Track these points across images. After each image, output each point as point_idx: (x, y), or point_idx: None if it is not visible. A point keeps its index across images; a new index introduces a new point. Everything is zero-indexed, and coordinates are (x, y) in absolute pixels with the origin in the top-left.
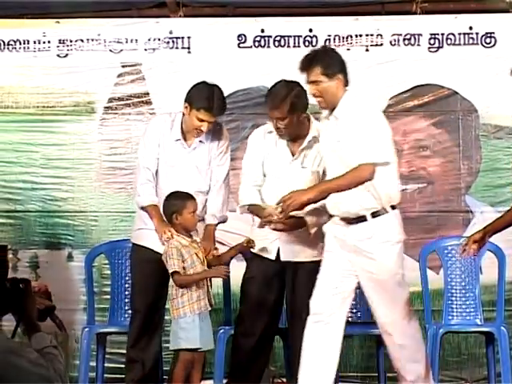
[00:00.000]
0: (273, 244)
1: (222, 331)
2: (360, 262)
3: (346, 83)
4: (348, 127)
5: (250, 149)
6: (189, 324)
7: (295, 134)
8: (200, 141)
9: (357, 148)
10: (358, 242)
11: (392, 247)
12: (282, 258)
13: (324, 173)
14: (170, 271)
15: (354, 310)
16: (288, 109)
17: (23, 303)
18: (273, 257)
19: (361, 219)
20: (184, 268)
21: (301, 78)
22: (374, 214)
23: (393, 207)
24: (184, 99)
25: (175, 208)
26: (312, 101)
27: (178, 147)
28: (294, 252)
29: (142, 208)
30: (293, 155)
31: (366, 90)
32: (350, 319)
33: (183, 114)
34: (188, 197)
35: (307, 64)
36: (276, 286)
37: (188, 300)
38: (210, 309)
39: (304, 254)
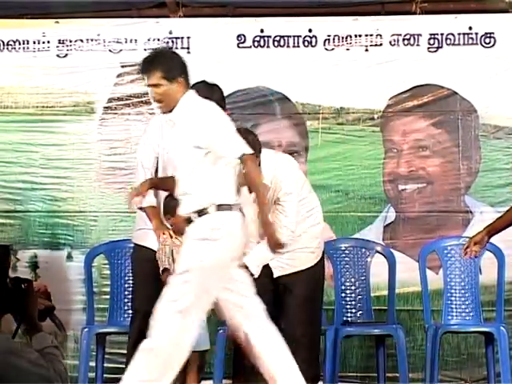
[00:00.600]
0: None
1: (221, 331)
2: None
3: (187, 86)
4: (188, 125)
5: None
6: None
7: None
8: None
9: (215, 148)
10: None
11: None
12: (275, 275)
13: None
14: (161, 268)
15: (354, 311)
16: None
17: (25, 303)
18: (256, 275)
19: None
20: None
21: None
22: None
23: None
24: None
25: (167, 209)
26: (311, 101)
27: None
28: (284, 265)
29: (141, 209)
30: None
31: (365, 90)
32: (349, 319)
33: None
34: None
35: (147, 67)
36: (271, 295)
37: None
38: None
39: (293, 265)
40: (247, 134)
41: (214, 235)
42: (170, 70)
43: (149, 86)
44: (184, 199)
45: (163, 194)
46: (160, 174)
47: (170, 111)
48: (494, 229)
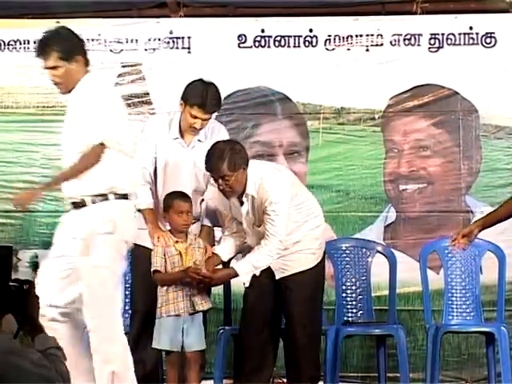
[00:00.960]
0: None
1: (221, 331)
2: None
3: (87, 63)
4: (80, 108)
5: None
6: (162, 325)
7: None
8: (199, 140)
9: (87, 129)
10: (73, 227)
11: (99, 237)
12: (277, 277)
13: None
14: (152, 269)
15: (354, 310)
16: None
17: (26, 304)
18: (257, 273)
19: (80, 204)
20: (166, 268)
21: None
22: (94, 200)
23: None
24: (180, 97)
25: (164, 207)
26: (311, 101)
27: (177, 146)
28: (285, 267)
29: (139, 210)
30: None
31: (366, 90)
32: (350, 319)
33: (181, 113)
34: (178, 197)
35: (43, 49)
36: (272, 296)
37: (166, 301)
38: (198, 310)
39: (294, 266)
40: (233, 145)
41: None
42: (68, 50)
43: (46, 68)
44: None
45: (160, 194)
46: (159, 174)
47: (69, 92)
48: (485, 223)
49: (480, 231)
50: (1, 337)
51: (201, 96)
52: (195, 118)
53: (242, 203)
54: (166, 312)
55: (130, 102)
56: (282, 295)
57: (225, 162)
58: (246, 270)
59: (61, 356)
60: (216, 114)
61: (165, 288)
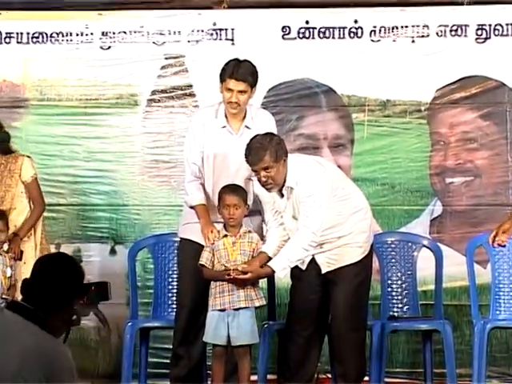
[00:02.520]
0: None
1: (266, 326)
2: None
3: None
4: None
5: None
6: (209, 318)
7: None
8: (246, 126)
9: None
10: None
11: None
12: (323, 271)
13: None
14: (198, 263)
15: (400, 305)
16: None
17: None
18: (303, 267)
19: None
20: (213, 262)
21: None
22: None
23: None
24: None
25: (218, 200)
26: (356, 93)
27: (225, 134)
28: (331, 261)
29: (191, 207)
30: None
31: (412, 82)
32: (396, 314)
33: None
34: (226, 190)
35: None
36: (319, 290)
37: (213, 294)
38: (244, 306)
39: (340, 260)
40: (272, 137)
41: None
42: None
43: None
44: None
45: (211, 185)
46: (208, 167)
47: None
48: None
49: None
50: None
51: (232, 68)
52: (229, 91)
53: (282, 196)
54: (213, 306)
55: (172, 94)
56: (327, 289)
57: (267, 152)
58: (281, 266)
59: None
60: (260, 99)
61: (213, 282)
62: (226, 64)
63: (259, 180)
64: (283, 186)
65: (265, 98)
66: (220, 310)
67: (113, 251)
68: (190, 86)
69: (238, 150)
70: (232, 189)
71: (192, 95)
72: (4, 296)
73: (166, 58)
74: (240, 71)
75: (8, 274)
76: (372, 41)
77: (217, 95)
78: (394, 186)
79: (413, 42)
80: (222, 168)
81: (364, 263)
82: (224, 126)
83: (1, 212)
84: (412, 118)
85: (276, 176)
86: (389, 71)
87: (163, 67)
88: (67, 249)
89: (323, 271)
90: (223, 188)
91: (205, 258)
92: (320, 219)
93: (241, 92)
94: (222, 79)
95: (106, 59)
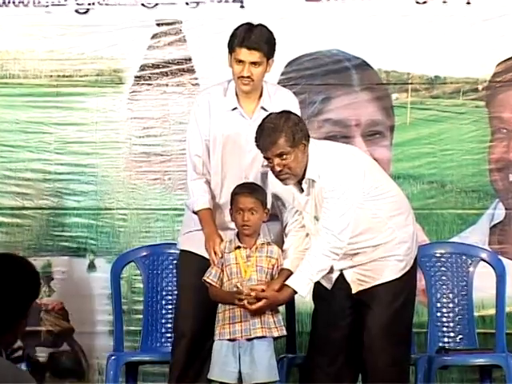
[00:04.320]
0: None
1: (284, 360)
2: None
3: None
4: None
5: None
6: (215, 350)
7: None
8: (263, 108)
9: None
10: None
11: None
12: (354, 291)
13: None
14: (204, 279)
15: (452, 335)
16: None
17: None
18: (329, 286)
19: None
20: (222, 279)
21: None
22: None
23: None
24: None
25: (230, 202)
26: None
27: (236, 118)
28: (364, 278)
29: (194, 212)
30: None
31: (467, 54)
32: (446, 345)
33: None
34: (240, 190)
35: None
36: (348, 315)
37: (222, 320)
38: (260, 335)
39: (375, 277)
40: (289, 115)
41: None
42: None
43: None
44: None
45: (218, 182)
46: (216, 158)
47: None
48: None
49: None
50: None
51: (244, 34)
52: (240, 63)
53: (302, 191)
54: (221, 334)
55: (167, 69)
56: (359, 314)
57: (282, 135)
58: (303, 284)
59: None
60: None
61: (221, 305)
62: (236, 30)
63: (272, 170)
64: (303, 178)
65: (282, 74)
66: (230, 340)
67: (92, 266)
68: (189, 59)
69: (253, 137)
70: (248, 188)
71: (191, 71)
72: None
73: (159, 25)
74: (253, 38)
75: None
76: (417, 2)
77: (222, 71)
78: (444, 185)
79: (468, 3)
80: (233, 160)
81: (405, 281)
82: (235, 108)
83: None
84: (467, 100)
85: (293, 164)
86: (438, 40)
87: (155, 36)
88: (35, 263)
89: (354, 291)
90: (237, 187)
91: (211, 274)
92: (345, 220)
93: (254, 64)
94: (231, 49)
95: (83, 26)
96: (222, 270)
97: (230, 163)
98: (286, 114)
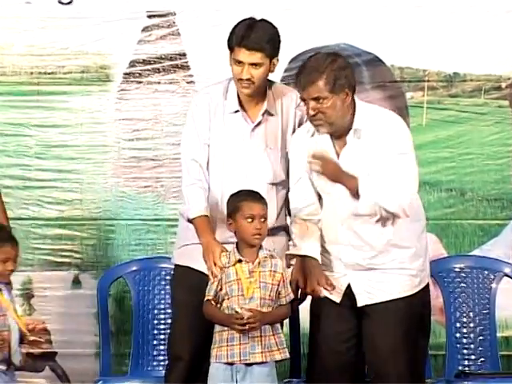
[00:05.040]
0: (339, 281)
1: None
2: None
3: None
4: None
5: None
6: (211, 374)
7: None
8: (268, 112)
9: None
10: None
11: None
12: (359, 303)
13: None
14: (205, 299)
15: (473, 357)
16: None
17: None
18: (337, 299)
19: None
20: (218, 297)
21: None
22: None
23: None
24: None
25: (228, 211)
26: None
27: (238, 121)
28: (372, 290)
29: (189, 221)
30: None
31: (489, 49)
32: (467, 369)
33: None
34: (248, 196)
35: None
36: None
37: (219, 342)
38: (260, 361)
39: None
40: (336, 57)
41: None
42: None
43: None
44: None
45: (218, 191)
46: (215, 164)
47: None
48: None
49: None
50: None
51: (243, 32)
52: (239, 64)
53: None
54: (217, 357)
55: (158, 66)
56: (364, 331)
57: (322, 76)
58: None
59: None
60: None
61: (218, 326)
62: (235, 26)
63: (307, 113)
64: (341, 135)
65: (286, 71)
66: (227, 364)
67: (76, 282)
68: (183, 54)
69: (257, 144)
70: (257, 194)
71: (185, 67)
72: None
73: (150, 17)
74: (253, 37)
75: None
76: None
77: (219, 67)
78: (464, 193)
79: None
80: (235, 167)
81: (420, 298)
82: (237, 111)
83: (7, 233)
84: (489, 99)
85: (329, 111)
86: (457, 34)
87: (146, 29)
88: (14, 279)
89: (359, 304)
90: (243, 194)
91: (211, 292)
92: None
93: (254, 65)
94: (230, 48)
95: (67, 17)
96: (221, 287)
97: (232, 171)
98: (334, 55)
